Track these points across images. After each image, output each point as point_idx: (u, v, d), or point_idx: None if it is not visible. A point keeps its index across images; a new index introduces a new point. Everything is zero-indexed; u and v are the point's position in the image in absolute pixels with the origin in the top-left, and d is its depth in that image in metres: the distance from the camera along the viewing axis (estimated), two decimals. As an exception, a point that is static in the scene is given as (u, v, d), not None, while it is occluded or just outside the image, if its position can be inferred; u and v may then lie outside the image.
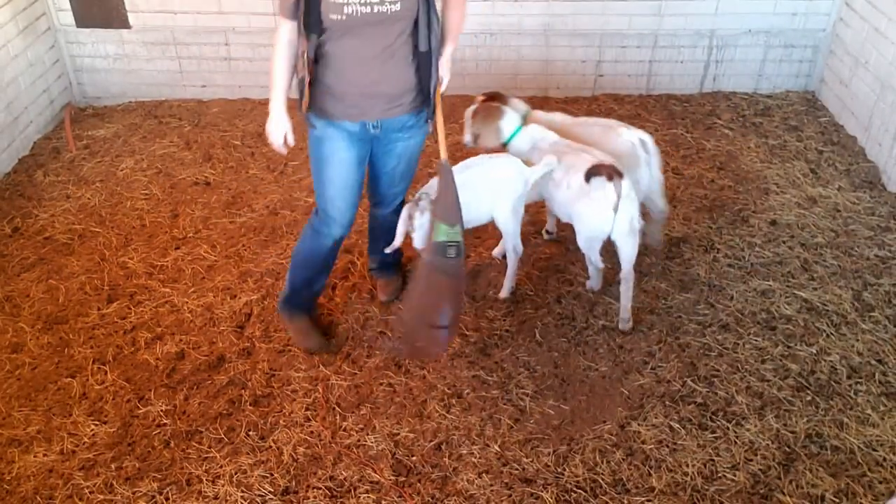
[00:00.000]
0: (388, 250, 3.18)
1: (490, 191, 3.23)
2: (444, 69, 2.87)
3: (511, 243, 3.38)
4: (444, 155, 2.90)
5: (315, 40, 2.65)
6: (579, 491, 2.69)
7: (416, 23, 2.69)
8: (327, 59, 2.71)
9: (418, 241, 3.09)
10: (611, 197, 3.00)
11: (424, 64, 2.78)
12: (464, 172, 3.16)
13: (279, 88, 2.77)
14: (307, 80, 2.72)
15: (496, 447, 2.85)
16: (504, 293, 3.51)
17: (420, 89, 2.84)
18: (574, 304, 3.50)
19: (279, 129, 2.82)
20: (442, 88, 2.90)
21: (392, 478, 2.74)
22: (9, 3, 4.59)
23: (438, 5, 2.82)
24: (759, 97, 5.24)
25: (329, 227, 3.04)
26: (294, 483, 2.74)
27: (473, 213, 3.19)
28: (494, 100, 3.49)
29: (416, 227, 3.07)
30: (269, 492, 2.70)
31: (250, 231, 4.01)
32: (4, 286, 3.66)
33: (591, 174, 3.04)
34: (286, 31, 2.69)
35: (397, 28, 2.67)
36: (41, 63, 4.94)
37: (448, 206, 2.87)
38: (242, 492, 2.70)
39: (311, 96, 2.79)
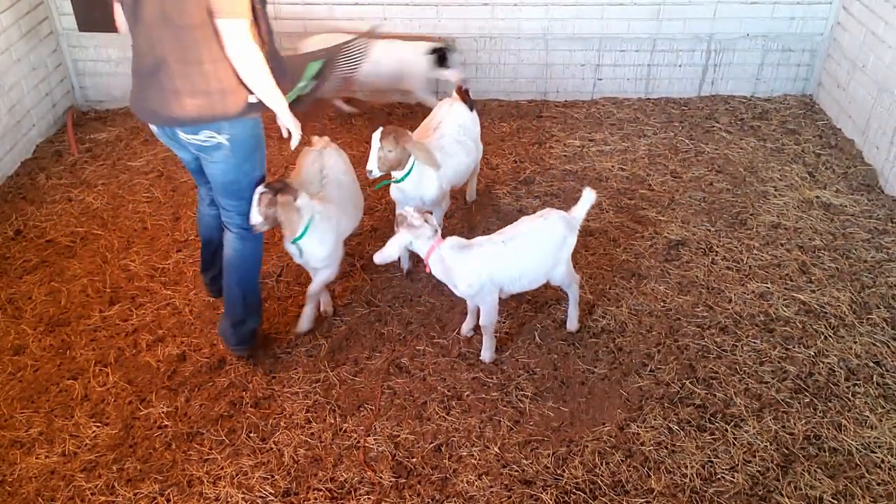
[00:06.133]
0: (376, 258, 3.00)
1: (549, 253, 3.09)
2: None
3: (574, 285, 3.28)
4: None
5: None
6: (579, 492, 2.71)
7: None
8: None
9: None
10: None
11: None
12: (514, 241, 3.03)
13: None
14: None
15: (496, 449, 2.86)
16: (574, 325, 3.38)
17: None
18: (573, 306, 3.52)
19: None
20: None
21: (392, 479, 2.76)
22: (11, 7, 4.62)
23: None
24: (757, 101, 5.26)
25: None
26: (295, 485, 2.75)
27: (531, 277, 3.09)
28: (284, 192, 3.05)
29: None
30: (270, 493, 2.71)
31: (251, 234, 4.02)
32: (7, 289, 3.68)
33: None
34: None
35: None
36: (44, 67, 4.97)
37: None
38: (243, 493, 2.71)
39: None
